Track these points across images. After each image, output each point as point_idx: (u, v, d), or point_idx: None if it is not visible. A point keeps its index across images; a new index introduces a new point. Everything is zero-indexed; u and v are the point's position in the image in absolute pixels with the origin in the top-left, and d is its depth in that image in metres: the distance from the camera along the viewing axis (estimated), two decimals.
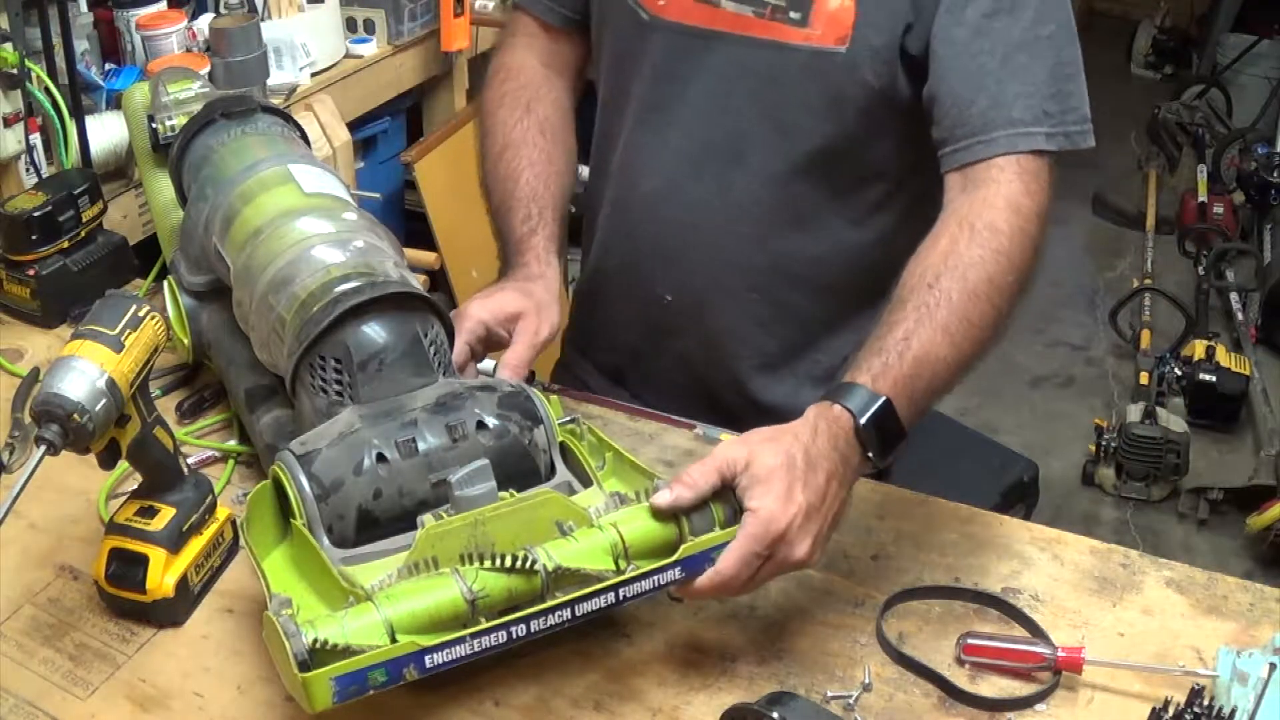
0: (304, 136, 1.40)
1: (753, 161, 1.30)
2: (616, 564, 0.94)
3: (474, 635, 0.88)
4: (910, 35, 1.20)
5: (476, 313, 1.24)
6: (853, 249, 1.35)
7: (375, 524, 1.00)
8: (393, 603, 0.89)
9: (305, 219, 1.16)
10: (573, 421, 1.10)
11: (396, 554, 0.96)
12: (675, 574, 0.95)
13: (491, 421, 1.03)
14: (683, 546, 0.95)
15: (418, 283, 1.13)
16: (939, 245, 1.10)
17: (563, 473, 1.06)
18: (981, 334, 1.08)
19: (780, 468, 0.95)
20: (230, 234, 1.20)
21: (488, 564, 0.91)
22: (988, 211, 1.12)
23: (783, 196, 1.31)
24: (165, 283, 1.36)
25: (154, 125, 1.39)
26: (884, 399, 1.01)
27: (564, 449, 1.08)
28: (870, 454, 1.01)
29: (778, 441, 0.97)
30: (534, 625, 0.90)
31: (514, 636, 0.90)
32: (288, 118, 1.39)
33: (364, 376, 1.05)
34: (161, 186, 1.42)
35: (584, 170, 1.51)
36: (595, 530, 0.96)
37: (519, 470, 1.03)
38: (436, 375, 1.08)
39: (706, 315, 1.39)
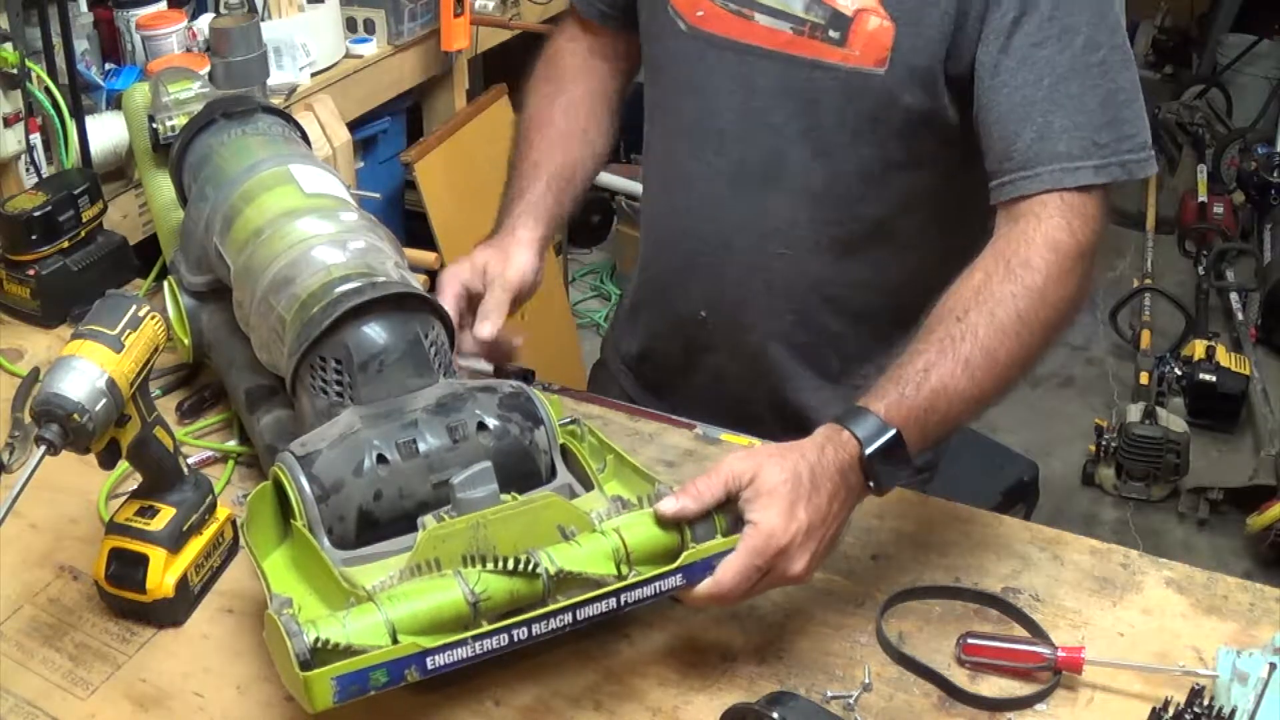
0: (304, 136, 1.40)
1: (790, 182, 1.28)
2: (618, 569, 0.94)
3: (476, 638, 0.88)
4: (951, 59, 1.18)
5: (452, 280, 1.26)
6: (895, 278, 1.33)
7: (376, 525, 1.00)
8: (394, 603, 0.88)
9: (306, 219, 1.16)
10: (573, 423, 1.10)
11: (398, 555, 0.96)
12: (677, 580, 0.95)
13: (492, 422, 1.03)
14: (685, 554, 0.95)
15: (418, 283, 1.13)
16: (973, 279, 1.09)
17: (563, 475, 1.06)
18: (1007, 371, 1.06)
19: (785, 484, 0.96)
20: (231, 234, 1.20)
21: (490, 566, 0.91)
22: (1024, 248, 1.09)
23: (821, 220, 1.29)
24: (165, 283, 1.36)
25: (154, 125, 1.39)
26: (894, 431, 1.00)
27: (564, 450, 1.08)
28: (872, 483, 1.01)
29: (785, 458, 0.98)
30: (535, 629, 0.90)
31: (515, 639, 0.90)
32: (288, 118, 1.39)
33: (364, 377, 1.05)
34: (161, 186, 1.42)
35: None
36: (598, 535, 0.95)
37: (520, 472, 1.03)
38: (437, 376, 1.08)
39: (743, 334, 1.38)
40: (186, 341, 1.33)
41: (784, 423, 1.39)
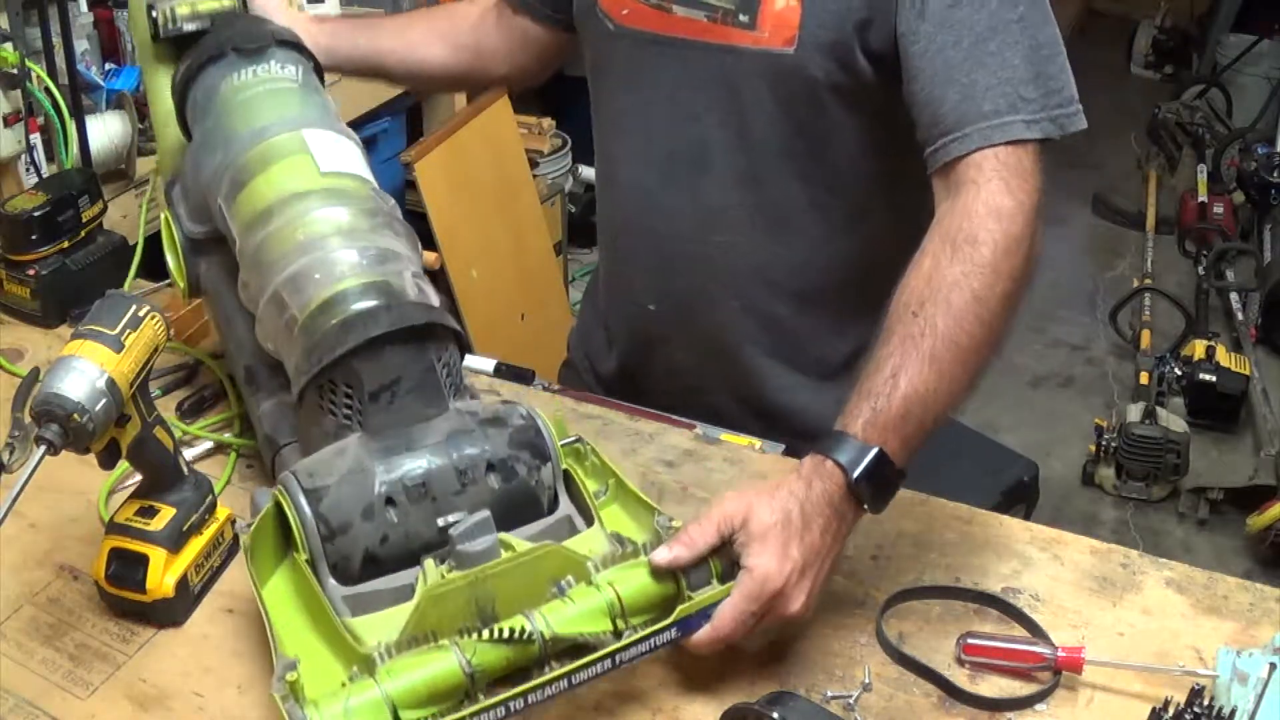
0: (318, 69, 1.31)
1: (719, 167, 1.30)
2: (614, 623, 0.94)
3: (473, 715, 0.89)
4: (871, 31, 1.17)
5: None
6: (836, 257, 1.33)
7: (379, 564, 0.99)
8: (393, 677, 0.88)
9: (322, 210, 1.11)
10: (576, 441, 1.09)
11: (398, 606, 0.95)
12: (673, 634, 0.96)
13: (500, 462, 1.02)
14: (679, 608, 0.95)
15: (434, 294, 1.10)
16: (922, 267, 1.06)
17: (565, 505, 1.05)
18: (974, 355, 1.04)
19: (776, 525, 0.96)
20: (237, 203, 1.15)
21: (485, 636, 0.91)
22: (967, 222, 1.07)
23: (753, 201, 1.30)
24: (161, 216, 1.29)
25: (154, 15, 1.29)
26: (876, 450, 0.99)
27: (566, 476, 1.07)
28: (865, 505, 1.00)
29: (774, 497, 0.97)
30: (531, 698, 0.90)
31: (512, 710, 0.90)
32: (303, 50, 1.28)
33: (375, 407, 1.03)
34: (162, 86, 1.32)
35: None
36: (593, 590, 0.95)
37: (523, 505, 1.02)
38: (447, 403, 1.05)
39: (692, 323, 1.39)
40: (182, 284, 1.28)
41: (746, 411, 1.40)
